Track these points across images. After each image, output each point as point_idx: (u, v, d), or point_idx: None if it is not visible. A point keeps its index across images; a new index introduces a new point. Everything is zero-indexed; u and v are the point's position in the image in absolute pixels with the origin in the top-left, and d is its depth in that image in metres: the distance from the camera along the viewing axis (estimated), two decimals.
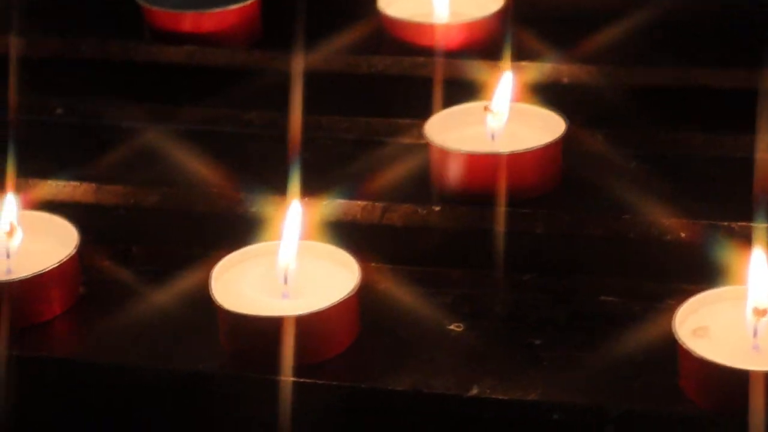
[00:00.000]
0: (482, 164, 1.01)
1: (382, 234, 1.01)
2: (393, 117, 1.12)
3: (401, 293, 0.98)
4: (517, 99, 1.06)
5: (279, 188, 1.01)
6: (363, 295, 0.94)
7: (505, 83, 1.05)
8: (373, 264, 0.98)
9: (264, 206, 1.02)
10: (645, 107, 1.11)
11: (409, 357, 0.92)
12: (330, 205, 1.02)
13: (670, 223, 0.98)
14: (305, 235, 0.96)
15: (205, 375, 0.91)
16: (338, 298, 0.91)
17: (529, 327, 0.95)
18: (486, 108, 1.04)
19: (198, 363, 0.92)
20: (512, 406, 0.88)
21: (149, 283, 1.00)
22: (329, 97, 1.14)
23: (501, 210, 0.99)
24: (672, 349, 0.88)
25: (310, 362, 0.91)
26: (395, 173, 1.06)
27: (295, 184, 0.99)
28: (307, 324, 0.90)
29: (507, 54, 1.08)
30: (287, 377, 0.90)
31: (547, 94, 1.08)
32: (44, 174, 1.06)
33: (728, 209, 0.99)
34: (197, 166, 1.07)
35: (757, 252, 0.89)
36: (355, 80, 1.16)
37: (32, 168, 1.06)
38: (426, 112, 1.08)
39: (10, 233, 0.96)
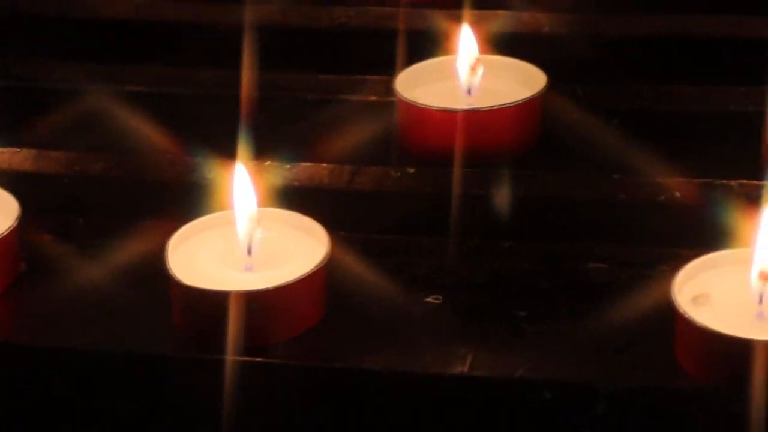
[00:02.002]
0: (459, 122, 0.94)
1: (351, 199, 0.95)
2: (355, 74, 1.05)
3: (372, 263, 0.92)
4: (484, 51, 1.00)
5: (234, 153, 0.94)
6: (331, 267, 0.87)
7: (467, 36, 0.99)
8: (341, 232, 0.92)
9: (219, 173, 0.95)
10: (626, 59, 1.05)
11: (382, 334, 0.87)
12: (294, 169, 0.95)
13: (663, 182, 0.93)
14: (266, 203, 0.90)
15: (159, 357, 0.86)
16: (307, 270, 0.84)
17: (511, 298, 0.90)
18: (476, 63, 0.97)
19: (150, 344, 0.86)
20: (498, 384, 0.82)
21: (95, 258, 0.95)
22: (287, 53, 1.07)
23: (480, 172, 0.93)
24: (666, 319, 0.83)
25: (275, 341, 0.85)
26: (360, 134, 1.00)
27: (246, 148, 0.93)
28: (273, 299, 0.84)
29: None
30: (250, 358, 0.84)
31: (522, 45, 1.02)
32: None
33: (724, 167, 0.94)
34: (145, 131, 1.01)
35: (766, 211, 0.83)
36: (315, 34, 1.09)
37: None
38: (390, 69, 1.02)
39: None
